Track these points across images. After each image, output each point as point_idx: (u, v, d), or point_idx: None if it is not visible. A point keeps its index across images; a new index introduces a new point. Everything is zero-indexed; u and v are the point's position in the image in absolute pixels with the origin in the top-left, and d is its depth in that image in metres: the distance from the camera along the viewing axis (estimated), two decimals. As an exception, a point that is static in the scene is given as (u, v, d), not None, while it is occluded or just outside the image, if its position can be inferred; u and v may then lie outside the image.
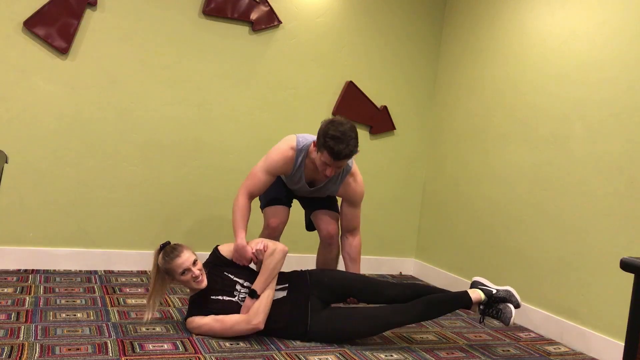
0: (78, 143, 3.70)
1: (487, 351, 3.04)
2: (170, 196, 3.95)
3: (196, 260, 2.83)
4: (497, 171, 3.92)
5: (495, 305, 2.94)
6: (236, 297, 2.87)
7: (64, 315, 2.90)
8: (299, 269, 3.12)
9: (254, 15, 4.00)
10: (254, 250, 2.91)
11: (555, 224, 3.44)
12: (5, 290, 3.20)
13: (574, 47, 3.42)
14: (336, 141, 2.79)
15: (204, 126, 3.99)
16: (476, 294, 2.97)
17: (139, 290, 3.47)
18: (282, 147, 3.05)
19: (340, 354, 2.78)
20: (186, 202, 4.00)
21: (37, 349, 2.43)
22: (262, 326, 2.78)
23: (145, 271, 3.86)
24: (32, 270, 3.62)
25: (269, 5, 4.03)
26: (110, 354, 2.47)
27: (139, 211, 3.88)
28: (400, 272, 4.69)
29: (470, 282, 3.15)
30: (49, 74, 3.60)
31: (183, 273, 2.79)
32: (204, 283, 2.83)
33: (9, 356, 2.34)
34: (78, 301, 3.14)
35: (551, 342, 3.33)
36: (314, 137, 3.00)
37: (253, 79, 4.09)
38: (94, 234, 3.79)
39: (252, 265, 3.03)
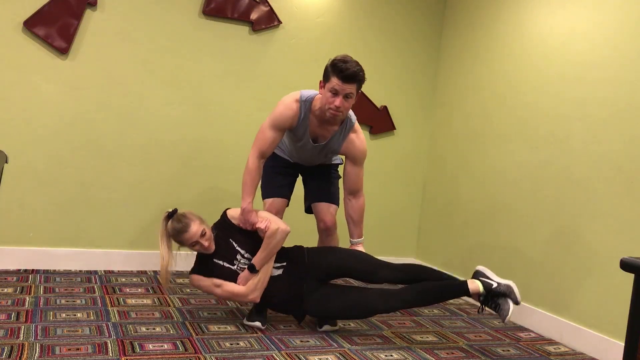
0: (78, 143, 3.70)
1: (487, 351, 3.04)
2: (170, 196, 3.95)
3: (204, 232, 2.92)
4: (497, 171, 3.92)
5: (494, 299, 2.91)
6: (235, 266, 2.98)
7: (64, 315, 2.90)
8: (298, 245, 3.16)
9: (254, 15, 4.00)
10: (256, 226, 2.97)
11: (555, 223, 3.44)
12: (5, 290, 3.20)
13: (574, 47, 3.42)
14: (343, 62, 2.90)
15: (204, 126, 3.99)
16: (475, 285, 2.94)
17: (139, 290, 3.47)
18: (287, 100, 3.08)
19: (340, 354, 2.78)
20: (186, 202, 3.99)
21: (37, 349, 2.43)
22: (257, 300, 2.96)
23: (145, 271, 3.86)
24: (32, 270, 3.62)
25: (269, 5, 4.03)
26: (110, 354, 2.47)
27: (139, 211, 3.88)
28: (400, 272, 4.69)
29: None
30: (49, 74, 3.60)
31: (193, 245, 2.92)
32: (212, 249, 2.97)
33: (9, 356, 2.34)
34: (78, 301, 3.14)
35: (551, 342, 3.33)
36: (317, 92, 3.08)
37: (253, 79, 4.09)
38: (94, 234, 3.79)
39: None
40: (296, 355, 2.70)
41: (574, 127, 3.38)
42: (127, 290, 3.44)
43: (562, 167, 3.43)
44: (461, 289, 2.95)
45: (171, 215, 2.95)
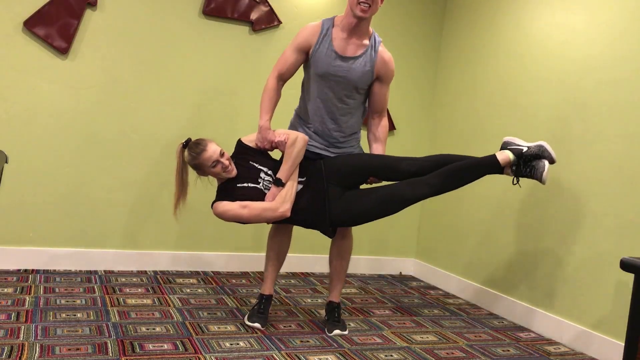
0: (78, 143, 3.70)
1: (487, 351, 3.04)
2: (170, 196, 3.93)
3: (223, 151, 2.89)
4: (497, 171, 3.92)
5: (528, 163, 2.76)
6: (260, 184, 2.94)
7: (64, 315, 2.90)
8: (315, 161, 3.06)
9: (254, 15, 4.00)
10: (276, 140, 2.95)
11: (555, 223, 3.44)
12: (5, 290, 3.20)
13: (574, 47, 3.43)
14: None
15: (203, 126, 3.98)
16: (504, 155, 2.80)
17: (139, 290, 3.47)
18: (309, 23, 3.07)
19: (340, 354, 2.78)
20: (186, 202, 3.99)
21: (37, 349, 2.43)
22: (288, 214, 2.86)
23: (145, 271, 3.86)
24: (32, 270, 3.62)
25: (269, 5, 4.03)
26: (110, 354, 2.47)
27: (139, 211, 3.88)
28: (400, 272, 4.69)
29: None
30: (49, 74, 3.60)
31: (213, 166, 2.87)
32: (234, 172, 2.93)
33: (9, 356, 2.34)
34: (78, 301, 3.14)
35: (551, 342, 3.33)
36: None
37: (253, 79, 4.09)
38: (94, 234, 3.79)
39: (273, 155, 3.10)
40: (296, 355, 2.70)
41: (574, 127, 3.38)
42: (127, 290, 3.44)
43: (562, 167, 3.43)
44: (490, 162, 2.80)
45: (186, 144, 2.95)
